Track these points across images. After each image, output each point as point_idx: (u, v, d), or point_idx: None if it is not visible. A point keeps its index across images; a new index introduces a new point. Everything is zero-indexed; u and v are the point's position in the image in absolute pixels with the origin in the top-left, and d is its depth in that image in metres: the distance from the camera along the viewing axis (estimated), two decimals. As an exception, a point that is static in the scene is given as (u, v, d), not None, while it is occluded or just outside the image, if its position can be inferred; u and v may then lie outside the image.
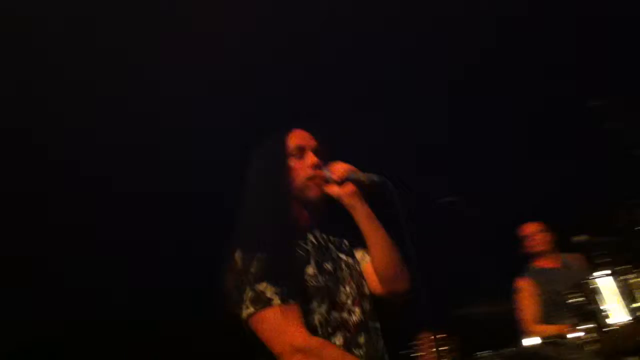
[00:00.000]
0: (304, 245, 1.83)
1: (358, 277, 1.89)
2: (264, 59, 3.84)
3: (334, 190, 1.85)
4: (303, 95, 3.77)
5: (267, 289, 1.66)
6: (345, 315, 1.76)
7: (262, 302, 1.66)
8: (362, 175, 1.84)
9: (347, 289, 1.81)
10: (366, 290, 1.88)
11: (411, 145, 4.66)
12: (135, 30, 3.39)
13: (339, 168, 1.86)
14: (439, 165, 4.84)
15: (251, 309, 1.66)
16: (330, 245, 1.92)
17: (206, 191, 4.15)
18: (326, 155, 1.93)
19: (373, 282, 1.90)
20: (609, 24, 4.04)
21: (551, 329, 3.52)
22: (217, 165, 3.83)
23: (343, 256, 1.90)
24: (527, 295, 3.77)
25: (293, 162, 1.88)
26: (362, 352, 1.72)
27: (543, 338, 3.46)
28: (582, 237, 3.55)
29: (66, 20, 3.20)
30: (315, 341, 1.63)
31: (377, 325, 1.85)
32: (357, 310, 1.79)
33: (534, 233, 3.97)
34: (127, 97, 3.73)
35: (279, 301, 1.65)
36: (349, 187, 1.84)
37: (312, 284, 1.74)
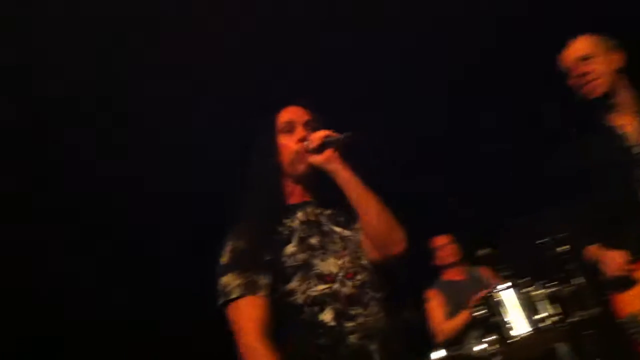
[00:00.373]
0: (289, 223, 1.81)
1: (354, 248, 1.85)
2: (264, 59, 3.84)
3: (315, 159, 1.81)
4: (303, 95, 3.76)
5: (233, 281, 1.69)
6: (336, 287, 1.73)
7: (226, 295, 1.69)
8: (338, 137, 1.80)
9: (340, 261, 1.78)
10: (364, 262, 1.83)
11: (411, 145, 4.66)
12: (134, 30, 3.39)
13: (316, 136, 1.82)
14: (439, 164, 4.84)
15: (220, 300, 1.70)
16: (323, 219, 1.87)
17: (206, 191, 4.15)
18: (321, 127, 1.89)
19: (369, 249, 1.85)
20: (609, 24, 4.03)
21: (457, 320, 3.68)
22: (217, 165, 3.84)
23: (338, 229, 1.86)
24: (435, 305, 3.90)
25: (283, 139, 1.87)
26: (354, 325, 1.69)
27: (449, 348, 3.61)
28: (485, 251, 3.66)
29: (66, 20, 3.20)
30: (262, 349, 1.60)
31: (378, 296, 1.80)
32: (349, 282, 1.75)
33: (443, 245, 4.04)
34: (127, 97, 3.72)
35: (240, 295, 1.67)
36: (327, 153, 1.80)
37: (289, 263, 1.73)
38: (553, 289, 3.22)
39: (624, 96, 2.43)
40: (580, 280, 2.95)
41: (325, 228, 1.86)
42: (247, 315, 1.65)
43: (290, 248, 1.76)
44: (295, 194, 1.89)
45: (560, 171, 2.59)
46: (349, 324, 1.69)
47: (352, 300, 1.72)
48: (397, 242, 1.82)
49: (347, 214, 1.89)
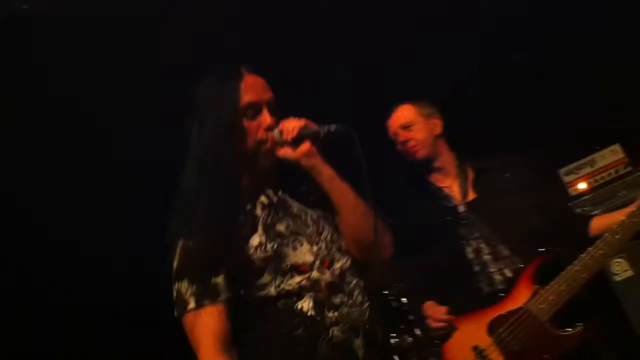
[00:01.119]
0: (252, 210, 1.63)
1: (331, 231, 1.66)
2: (264, 59, 3.83)
3: (288, 153, 1.59)
4: (302, 95, 3.77)
5: (186, 290, 1.53)
6: (314, 275, 1.55)
7: (181, 305, 1.55)
8: (317, 129, 1.59)
9: (314, 247, 1.60)
10: (342, 245, 1.65)
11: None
12: (134, 30, 3.39)
13: (290, 125, 1.59)
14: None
15: (176, 311, 1.56)
16: (291, 201, 1.68)
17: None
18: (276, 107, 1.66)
19: (350, 247, 1.66)
20: (609, 24, 4.03)
21: None
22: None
23: (310, 210, 1.68)
24: None
25: (245, 123, 1.63)
26: (337, 315, 1.53)
27: None
28: None
29: (65, 20, 3.20)
30: None
31: (361, 283, 1.62)
32: (327, 269, 1.58)
33: None
34: (128, 97, 3.72)
35: (194, 305, 1.51)
36: (305, 147, 1.57)
37: (257, 255, 1.55)
38: (394, 341, 3.30)
39: (446, 159, 2.68)
40: (418, 332, 3.03)
41: (295, 210, 1.67)
42: (205, 327, 1.50)
43: (256, 238, 1.57)
44: (253, 178, 1.68)
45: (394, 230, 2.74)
46: (332, 314, 1.52)
47: (333, 288, 1.56)
48: (383, 247, 1.64)
49: (315, 191, 1.66)
